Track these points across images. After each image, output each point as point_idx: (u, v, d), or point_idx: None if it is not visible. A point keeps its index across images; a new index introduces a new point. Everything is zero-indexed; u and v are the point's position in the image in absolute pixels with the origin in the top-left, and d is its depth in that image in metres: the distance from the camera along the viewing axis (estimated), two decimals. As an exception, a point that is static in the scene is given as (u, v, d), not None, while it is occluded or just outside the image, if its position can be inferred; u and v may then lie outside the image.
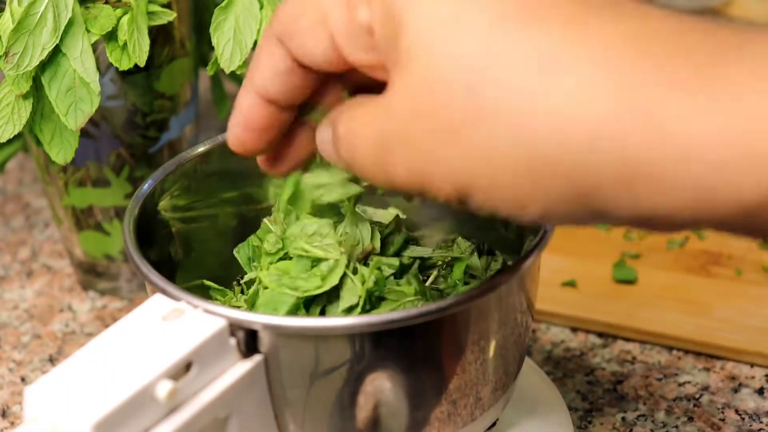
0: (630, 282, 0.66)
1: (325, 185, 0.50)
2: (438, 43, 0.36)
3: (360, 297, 0.48)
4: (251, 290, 0.52)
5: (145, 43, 0.57)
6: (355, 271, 0.49)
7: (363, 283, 0.48)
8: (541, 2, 0.35)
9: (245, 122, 0.43)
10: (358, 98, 0.41)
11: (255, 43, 0.57)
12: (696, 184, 0.33)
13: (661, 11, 0.35)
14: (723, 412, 0.58)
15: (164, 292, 0.45)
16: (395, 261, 0.52)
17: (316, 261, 0.50)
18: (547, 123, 0.34)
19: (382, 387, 0.45)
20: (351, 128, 0.40)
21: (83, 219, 0.67)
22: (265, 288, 0.51)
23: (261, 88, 0.42)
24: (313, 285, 0.49)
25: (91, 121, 0.59)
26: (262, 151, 0.45)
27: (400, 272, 0.52)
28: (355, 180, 0.50)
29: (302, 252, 0.50)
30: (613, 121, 0.33)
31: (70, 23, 0.55)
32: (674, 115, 0.32)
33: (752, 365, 0.61)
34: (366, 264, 0.53)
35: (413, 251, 0.53)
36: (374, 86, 0.40)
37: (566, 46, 0.34)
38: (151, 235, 0.51)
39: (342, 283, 0.50)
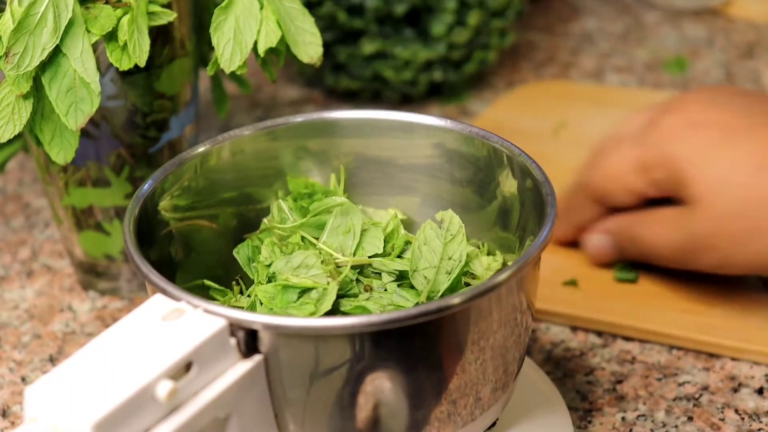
0: (631, 282, 0.67)
1: None
2: (720, 199, 0.58)
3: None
4: (249, 302, 0.52)
5: (146, 43, 0.57)
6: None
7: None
8: None
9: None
10: (644, 214, 0.63)
11: (255, 43, 0.57)
12: None
13: None
14: (723, 412, 0.58)
15: (164, 292, 0.45)
16: (397, 266, 0.52)
17: (304, 290, 0.50)
18: None
19: (382, 387, 0.45)
20: (653, 232, 0.62)
21: (83, 219, 0.67)
22: (261, 304, 0.51)
23: (579, 223, 0.67)
24: (307, 312, 0.49)
25: (92, 121, 0.59)
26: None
27: (400, 276, 0.53)
28: None
29: (287, 283, 0.50)
30: None
31: (71, 23, 0.55)
32: None
33: (752, 365, 0.61)
34: (362, 273, 0.53)
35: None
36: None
37: None
38: (151, 235, 0.51)
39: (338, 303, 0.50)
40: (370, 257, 0.53)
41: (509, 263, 0.52)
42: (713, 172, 0.59)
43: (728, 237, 0.58)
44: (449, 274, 0.51)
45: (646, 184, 0.62)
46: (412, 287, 0.52)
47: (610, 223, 0.65)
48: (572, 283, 0.67)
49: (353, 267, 0.52)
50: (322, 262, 0.51)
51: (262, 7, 0.58)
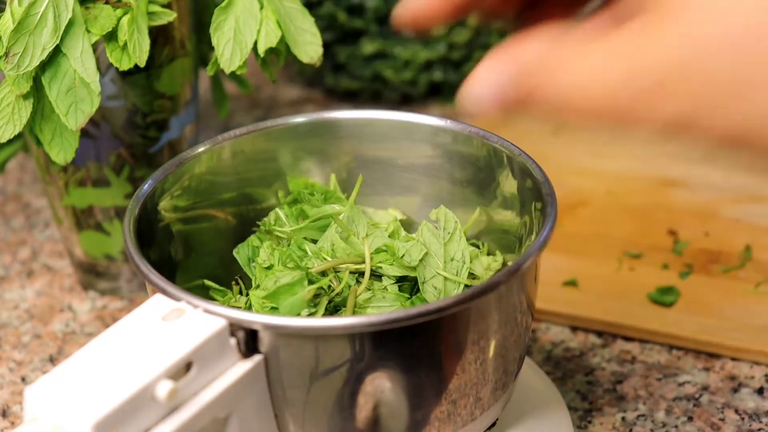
0: (668, 305, 0.65)
1: None
2: (712, 13, 0.35)
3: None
4: (248, 302, 0.52)
5: (146, 43, 0.57)
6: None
7: None
8: None
9: None
10: (567, 37, 0.38)
11: (255, 43, 0.57)
12: None
13: None
14: (723, 412, 0.58)
15: (164, 292, 0.45)
16: (396, 271, 0.52)
17: None
18: None
19: (382, 387, 0.45)
20: (581, 67, 0.37)
21: (83, 219, 0.67)
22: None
23: None
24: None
25: (92, 121, 0.59)
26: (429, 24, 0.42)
27: (401, 277, 0.53)
28: None
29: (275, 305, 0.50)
30: None
31: (71, 23, 0.55)
32: None
33: (752, 365, 0.61)
34: (362, 275, 0.53)
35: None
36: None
37: None
38: (151, 235, 0.51)
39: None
40: (371, 258, 0.53)
41: (509, 263, 0.52)
42: None
43: (711, 78, 0.35)
44: (457, 276, 0.51)
45: None
46: (413, 288, 0.52)
47: (512, 50, 0.40)
48: (572, 283, 0.67)
49: (352, 272, 0.52)
50: (311, 281, 0.50)
51: (262, 7, 0.58)
